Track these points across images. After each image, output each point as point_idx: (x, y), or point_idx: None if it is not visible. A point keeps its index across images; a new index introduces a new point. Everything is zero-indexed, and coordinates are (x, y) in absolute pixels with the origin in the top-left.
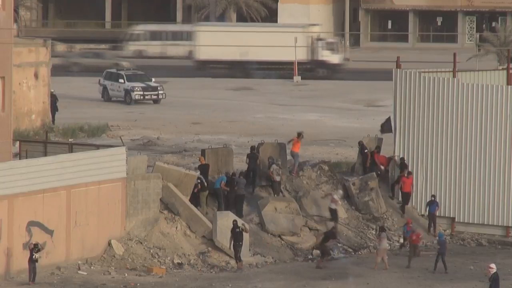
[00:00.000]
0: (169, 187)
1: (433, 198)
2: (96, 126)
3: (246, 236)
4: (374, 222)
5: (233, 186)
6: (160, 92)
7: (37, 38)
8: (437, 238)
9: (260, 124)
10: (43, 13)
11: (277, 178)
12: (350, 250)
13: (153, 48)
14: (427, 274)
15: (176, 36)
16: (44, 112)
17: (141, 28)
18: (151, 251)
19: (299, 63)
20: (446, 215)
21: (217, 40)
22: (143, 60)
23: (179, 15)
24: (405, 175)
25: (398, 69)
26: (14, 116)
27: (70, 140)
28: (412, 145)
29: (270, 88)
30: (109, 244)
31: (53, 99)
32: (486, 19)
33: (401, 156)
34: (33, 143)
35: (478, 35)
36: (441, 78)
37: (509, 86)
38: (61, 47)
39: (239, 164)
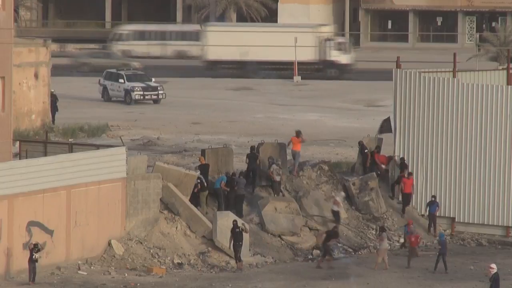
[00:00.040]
0: (169, 187)
1: (433, 199)
2: (96, 126)
3: (246, 236)
4: (374, 222)
5: (233, 186)
6: (160, 92)
7: (37, 38)
8: (438, 238)
9: (260, 124)
10: (43, 13)
11: (277, 178)
12: (350, 250)
13: (140, 48)
14: (427, 274)
15: (163, 36)
16: (44, 112)
17: (127, 28)
18: (151, 251)
19: (309, 63)
20: (446, 215)
21: (226, 40)
22: (151, 61)
23: (179, 15)
24: (406, 176)
25: (398, 69)
26: (14, 116)
27: (70, 140)
28: (412, 145)
29: (270, 88)
30: (109, 244)
31: (53, 99)
32: (486, 19)
33: (401, 156)
34: (33, 143)
35: (478, 35)
36: (441, 78)
37: (509, 86)
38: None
39: (239, 164)
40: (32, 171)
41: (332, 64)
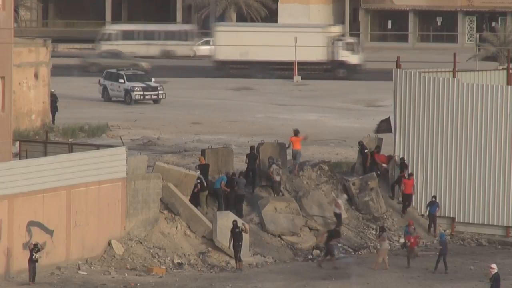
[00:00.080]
0: (169, 187)
1: (434, 199)
2: (96, 126)
3: (246, 236)
4: (374, 222)
5: (233, 186)
6: (160, 92)
7: (37, 38)
8: (439, 238)
9: (260, 124)
10: (43, 13)
11: (277, 178)
12: (350, 250)
13: (126, 47)
14: (427, 274)
15: (150, 36)
16: (44, 112)
17: (114, 27)
18: (151, 251)
19: (318, 64)
20: (446, 215)
21: (236, 40)
22: (160, 61)
23: (179, 15)
24: (406, 176)
25: (398, 69)
26: (14, 116)
27: (70, 140)
28: (412, 145)
29: (270, 88)
30: (109, 244)
31: (53, 99)
32: (486, 19)
33: (401, 156)
34: (33, 143)
35: (478, 35)
36: (441, 78)
37: (509, 86)
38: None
39: (239, 164)
40: (32, 171)
41: (342, 64)
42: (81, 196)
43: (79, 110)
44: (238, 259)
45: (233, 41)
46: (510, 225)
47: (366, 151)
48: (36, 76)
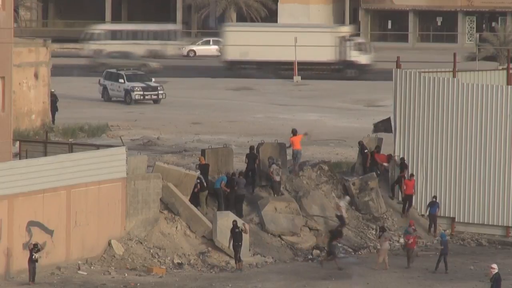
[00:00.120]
0: (169, 187)
1: (434, 199)
2: (96, 126)
3: (246, 236)
4: (374, 222)
5: (233, 186)
6: (160, 92)
7: (37, 38)
8: (440, 238)
9: (260, 124)
10: (43, 13)
11: (277, 178)
12: (350, 250)
13: (112, 47)
14: (427, 274)
15: (136, 36)
16: (44, 112)
17: (100, 27)
18: (151, 251)
19: (328, 64)
20: (446, 215)
21: (245, 40)
22: (170, 61)
23: (179, 15)
24: (406, 177)
25: (398, 69)
26: (14, 116)
27: (70, 140)
28: (412, 145)
29: (270, 88)
30: (109, 244)
31: (53, 99)
32: (486, 19)
33: (401, 156)
34: (33, 143)
35: (478, 35)
36: (441, 78)
37: (509, 86)
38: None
39: (239, 164)
40: (32, 171)
41: (352, 65)
42: (81, 196)
43: (79, 110)
44: (238, 259)
45: (242, 41)
46: (510, 225)
47: (366, 151)
48: (36, 76)
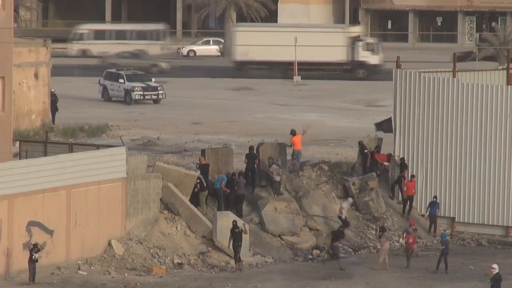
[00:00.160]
0: (169, 187)
1: (435, 199)
2: (96, 126)
3: (246, 236)
4: (374, 222)
5: (233, 186)
6: (160, 92)
7: (37, 38)
8: (441, 238)
9: (260, 124)
10: (43, 13)
11: (277, 178)
12: (350, 250)
13: (98, 47)
14: (427, 274)
15: (122, 35)
16: (44, 112)
17: (86, 27)
18: (151, 251)
19: (338, 64)
20: (446, 215)
21: (255, 41)
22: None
23: (179, 15)
24: (407, 177)
25: (398, 69)
26: (14, 116)
27: (70, 140)
28: (412, 145)
29: (270, 88)
30: (109, 244)
31: (54, 98)
32: (486, 19)
33: (401, 156)
34: (33, 143)
35: (478, 35)
36: (441, 78)
37: (509, 86)
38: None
39: (239, 164)
40: (32, 171)
41: (362, 65)
42: (81, 196)
43: (79, 110)
44: (237, 259)
45: (253, 41)
46: (510, 225)
47: (366, 151)
48: (36, 76)
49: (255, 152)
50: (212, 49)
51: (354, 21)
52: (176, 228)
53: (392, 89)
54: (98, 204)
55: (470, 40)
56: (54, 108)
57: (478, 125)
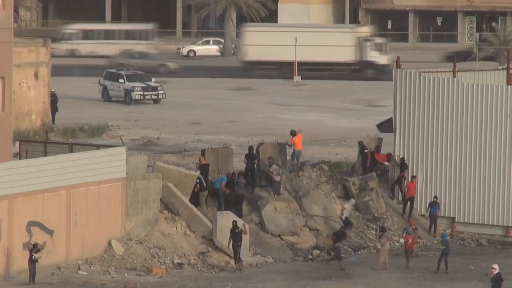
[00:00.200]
0: (169, 187)
1: (435, 200)
2: (96, 126)
3: (246, 236)
4: (374, 222)
5: (233, 186)
6: (160, 92)
7: (37, 38)
8: (441, 238)
9: (260, 124)
10: (43, 13)
11: (277, 178)
12: (350, 250)
13: (85, 47)
14: (427, 274)
15: (109, 35)
16: (44, 112)
17: (73, 27)
18: (151, 251)
19: (347, 64)
20: (446, 215)
21: (265, 41)
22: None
23: (179, 15)
24: (406, 177)
25: (398, 69)
26: (14, 116)
27: (70, 140)
28: (412, 145)
29: (270, 88)
30: (109, 244)
31: (54, 98)
32: (486, 19)
33: (401, 156)
34: (33, 143)
35: (478, 35)
36: (441, 78)
37: (509, 86)
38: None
39: (239, 164)
40: (32, 171)
41: (370, 65)
42: (81, 196)
43: (79, 110)
44: (237, 259)
45: (262, 41)
46: (510, 225)
47: (366, 151)
48: (36, 76)
49: (255, 152)
50: (212, 49)
51: (354, 21)
52: (176, 228)
53: (392, 89)
54: (98, 204)
55: (470, 40)
56: (54, 108)
57: (478, 125)
